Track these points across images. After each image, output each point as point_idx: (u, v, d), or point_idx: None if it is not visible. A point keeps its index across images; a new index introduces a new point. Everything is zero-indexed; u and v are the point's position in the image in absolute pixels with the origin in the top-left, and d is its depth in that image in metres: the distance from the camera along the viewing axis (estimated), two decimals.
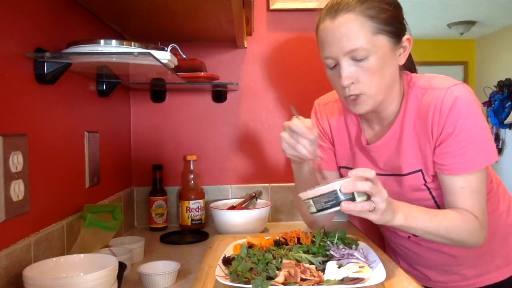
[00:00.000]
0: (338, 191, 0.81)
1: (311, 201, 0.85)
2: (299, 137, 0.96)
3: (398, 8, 0.99)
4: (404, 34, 0.99)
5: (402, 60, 1.00)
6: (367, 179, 0.81)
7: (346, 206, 0.81)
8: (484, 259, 1.13)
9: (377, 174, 1.09)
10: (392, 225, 0.89)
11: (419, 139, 1.01)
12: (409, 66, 1.10)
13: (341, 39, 0.94)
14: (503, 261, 1.14)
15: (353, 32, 0.93)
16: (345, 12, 0.93)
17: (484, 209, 0.99)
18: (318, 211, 0.84)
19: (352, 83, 0.96)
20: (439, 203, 1.05)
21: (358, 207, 0.81)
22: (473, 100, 0.96)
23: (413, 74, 1.06)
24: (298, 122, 0.96)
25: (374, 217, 0.84)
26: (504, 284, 1.13)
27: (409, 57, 1.09)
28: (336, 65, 0.98)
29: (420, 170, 1.02)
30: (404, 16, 1.01)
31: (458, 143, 0.95)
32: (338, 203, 0.81)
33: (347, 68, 0.95)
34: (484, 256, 1.12)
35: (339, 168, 1.21)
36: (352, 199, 0.81)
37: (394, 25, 0.96)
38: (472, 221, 0.96)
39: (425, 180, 1.02)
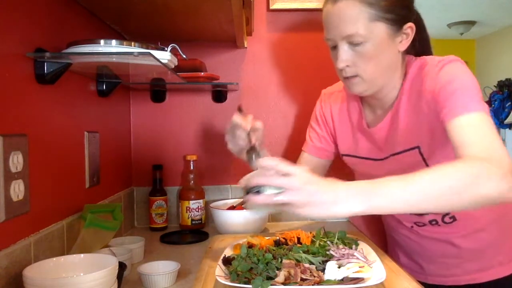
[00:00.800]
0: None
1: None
2: (235, 129, 1.06)
3: None
4: (407, 22, 0.99)
5: (403, 47, 1.01)
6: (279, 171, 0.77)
7: (249, 198, 0.78)
8: (487, 253, 1.12)
9: (377, 159, 1.10)
10: (354, 214, 0.75)
11: (416, 112, 1.01)
12: (424, 50, 1.10)
13: (339, 24, 0.96)
14: (506, 257, 1.13)
15: (351, 17, 0.95)
16: None
17: (497, 147, 0.82)
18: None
19: (348, 66, 0.99)
20: None
21: (258, 200, 0.76)
22: (463, 64, 0.97)
23: (414, 57, 1.06)
24: (235, 116, 1.05)
25: (296, 211, 0.75)
26: (505, 281, 1.12)
27: (425, 42, 1.10)
28: (336, 47, 1.00)
29: (417, 147, 1.02)
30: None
31: (451, 92, 0.91)
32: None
33: (344, 52, 0.98)
34: (487, 249, 1.12)
35: (342, 156, 1.22)
36: (260, 191, 0.77)
37: (394, 12, 0.96)
38: (475, 163, 0.78)
39: (423, 156, 1.02)
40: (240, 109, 1.06)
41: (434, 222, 1.11)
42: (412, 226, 1.16)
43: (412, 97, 1.02)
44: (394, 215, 1.19)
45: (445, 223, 1.10)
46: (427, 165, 1.02)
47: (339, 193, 0.75)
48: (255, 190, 0.77)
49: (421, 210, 0.80)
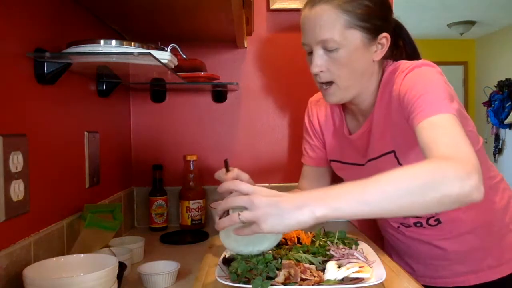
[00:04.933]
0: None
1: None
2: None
3: (382, 6, 1.00)
4: (382, 32, 0.99)
5: (378, 57, 1.02)
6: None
7: (216, 226, 0.82)
8: (475, 256, 1.12)
9: (360, 164, 1.11)
10: (318, 219, 0.73)
11: (388, 117, 1.02)
12: (412, 53, 1.10)
13: (315, 28, 0.98)
14: (495, 261, 1.12)
15: (327, 23, 0.96)
16: (323, 3, 0.97)
17: (463, 146, 0.78)
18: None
19: (322, 71, 1.00)
20: None
21: (221, 224, 0.79)
22: (433, 70, 0.96)
23: (392, 62, 1.06)
24: (218, 173, 1.05)
25: (255, 230, 0.75)
26: (494, 284, 1.12)
27: (412, 45, 1.10)
28: (311, 52, 1.01)
29: (393, 152, 1.03)
30: (397, 16, 1.04)
31: (414, 97, 0.90)
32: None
33: (318, 57, 0.99)
34: (475, 252, 1.12)
35: (330, 161, 1.24)
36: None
37: (370, 22, 0.97)
38: (438, 163, 0.76)
39: (398, 161, 1.02)
40: (226, 163, 1.05)
41: (419, 224, 1.11)
42: (398, 227, 1.16)
43: (383, 102, 1.03)
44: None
45: (430, 225, 1.10)
46: None
47: (299, 200, 0.74)
48: (225, 215, 0.81)
49: (384, 212, 0.75)
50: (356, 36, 0.97)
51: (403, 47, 1.11)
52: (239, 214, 0.75)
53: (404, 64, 1.01)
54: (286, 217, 0.73)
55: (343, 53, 0.97)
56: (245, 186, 0.79)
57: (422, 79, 0.93)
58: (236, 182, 0.81)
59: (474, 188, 0.73)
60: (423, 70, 0.96)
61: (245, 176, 1.06)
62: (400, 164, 1.02)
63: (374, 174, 0.76)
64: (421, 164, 0.76)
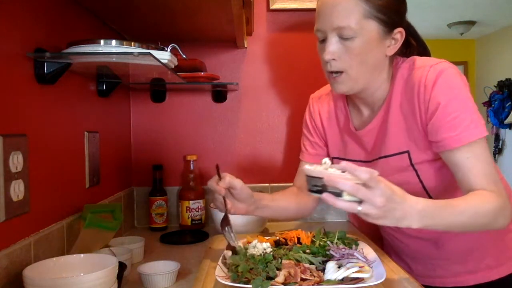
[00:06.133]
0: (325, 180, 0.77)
1: (306, 178, 0.82)
2: (214, 193, 1.04)
3: (400, 1, 1.00)
4: (397, 27, 0.99)
5: (391, 52, 1.01)
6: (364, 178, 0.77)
7: (326, 198, 0.78)
8: (473, 256, 1.12)
9: (366, 161, 1.10)
10: (407, 227, 0.84)
11: (406, 119, 1.01)
12: (422, 50, 1.10)
13: (332, 14, 0.96)
14: (494, 261, 1.12)
15: (345, 10, 0.95)
16: None
17: (498, 180, 0.94)
18: (308, 190, 0.82)
19: (334, 59, 0.98)
20: (427, 188, 1.04)
21: (338, 205, 0.77)
22: (457, 73, 0.97)
23: (402, 58, 1.06)
24: (211, 181, 1.04)
25: (367, 220, 0.80)
26: (492, 285, 1.11)
27: (421, 42, 1.11)
28: (325, 40, 1.00)
29: (407, 152, 1.02)
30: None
31: (447, 115, 0.93)
32: (322, 192, 0.78)
33: (332, 44, 0.97)
34: (473, 252, 1.12)
35: (332, 158, 1.22)
36: (339, 194, 0.77)
37: (387, 15, 0.96)
38: (493, 199, 0.90)
39: (411, 161, 1.02)
40: (217, 169, 1.05)
41: None
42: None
43: (403, 102, 1.02)
44: None
45: None
46: (414, 170, 1.03)
47: (407, 212, 0.82)
48: (332, 190, 0.77)
49: (449, 230, 0.96)
50: (373, 27, 0.96)
51: (416, 47, 1.10)
52: (359, 203, 0.77)
53: (423, 64, 1.00)
54: (393, 221, 0.81)
55: (358, 43, 0.95)
56: (365, 175, 0.76)
57: (453, 94, 0.94)
58: (364, 170, 0.76)
59: (509, 221, 0.94)
60: (450, 78, 0.95)
61: (238, 182, 1.04)
62: (412, 164, 1.02)
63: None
64: (487, 201, 0.90)
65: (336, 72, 1.00)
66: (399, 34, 1.00)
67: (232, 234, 1.02)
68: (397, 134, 1.03)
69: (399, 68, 1.04)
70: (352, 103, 1.14)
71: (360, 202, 0.77)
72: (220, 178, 1.03)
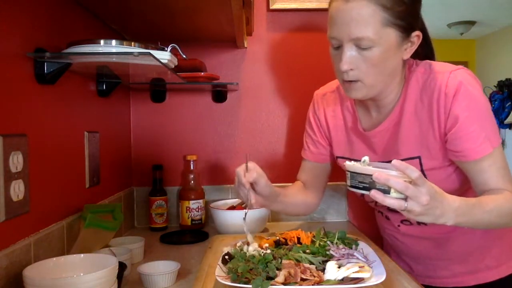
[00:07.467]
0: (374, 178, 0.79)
1: (349, 174, 0.84)
2: (239, 182, 1.05)
3: (416, 2, 0.98)
4: (415, 29, 0.97)
5: (407, 55, 0.99)
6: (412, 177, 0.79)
7: (375, 195, 0.79)
8: (474, 256, 1.12)
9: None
10: (445, 224, 0.87)
11: (421, 124, 1.00)
12: (428, 54, 1.10)
13: (349, 23, 0.92)
14: (494, 262, 1.12)
15: (363, 19, 0.90)
16: None
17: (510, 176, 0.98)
18: (351, 186, 0.84)
19: (351, 69, 0.96)
20: None
21: (387, 202, 0.79)
22: (476, 83, 0.98)
23: (415, 60, 1.05)
24: (239, 168, 1.04)
25: (409, 217, 0.83)
26: (493, 285, 1.11)
27: (429, 45, 1.10)
28: (340, 47, 0.96)
29: (418, 157, 1.02)
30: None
31: (469, 126, 0.94)
32: (369, 189, 0.80)
33: (349, 54, 0.94)
34: (473, 252, 1.12)
35: (336, 158, 1.22)
36: (387, 190, 0.79)
37: (406, 20, 0.94)
38: None
39: (422, 167, 1.02)
40: (246, 158, 1.04)
41: (422, 223, 1.11)
42: (398, 225, 1.16)
43: (419, 107, 1.00)
44: (383, 212, 1.19)
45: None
46: (424, 176, 1.02)
47: (446, 210, 0.84)
48: (380, 187, 0.79)
49: (475, 227, 0.97)
50: (392, 35, 0.93)
51: (424, 46, 1.08)
52: (406, 200, 0.79)
53: (440, 69, 0.99)
54: (432, 218, 0.83)
55: (376, 52, 0.93)
56: (415, 174, 0.77)
57: (474, 105, 0.96)
58: (413, 169, 0.78)
59: None
60: (472, 88, 0.96)
61: (263, 179, 1.05)
62: (422, 170, 1.01)
63: None
64: (503, 197, 0.92)
65: (352, 80, 0.98)
66: (416, 38, 0.98)
67: (245, 228, 1.04)
68: (410, 138, 1.02)
69: (413, 71, 1.02)
70: (359, 103, 1.12)
71: (405, 199, 0.79)
72: (247, 168, 1.03)
